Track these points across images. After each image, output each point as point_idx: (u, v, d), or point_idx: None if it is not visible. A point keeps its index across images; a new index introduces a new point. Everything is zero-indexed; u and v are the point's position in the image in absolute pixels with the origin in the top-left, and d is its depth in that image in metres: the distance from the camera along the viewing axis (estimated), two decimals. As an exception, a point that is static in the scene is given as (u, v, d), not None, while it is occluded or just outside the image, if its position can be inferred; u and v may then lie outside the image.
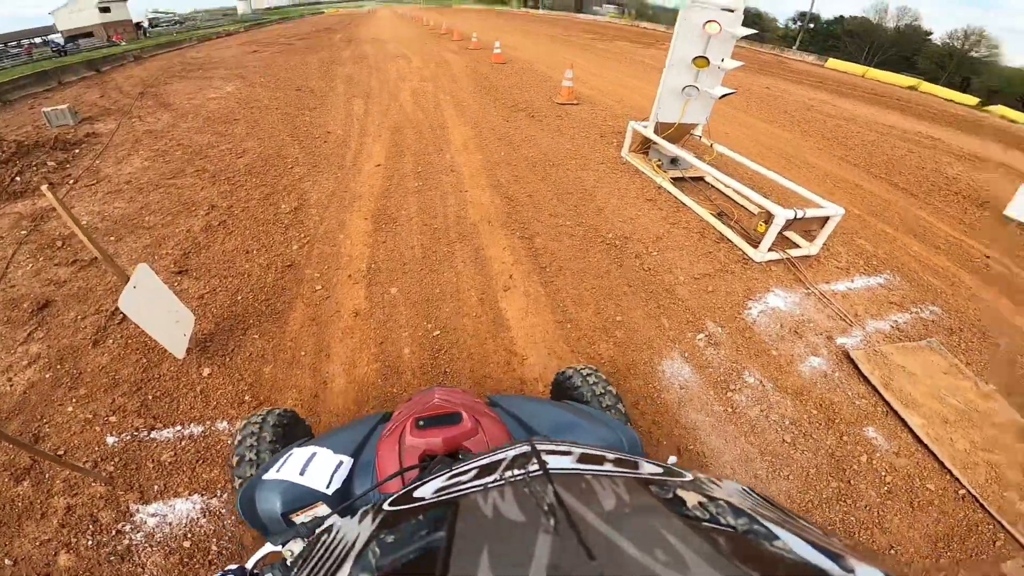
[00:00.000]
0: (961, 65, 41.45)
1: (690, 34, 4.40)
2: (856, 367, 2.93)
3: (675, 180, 4.91)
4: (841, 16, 47.66)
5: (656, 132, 5.04)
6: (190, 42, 16.86)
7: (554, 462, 0.60)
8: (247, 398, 2.46)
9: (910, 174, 6.81)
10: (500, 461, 0.64)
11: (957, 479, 2.41)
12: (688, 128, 5.17)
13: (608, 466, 0.62)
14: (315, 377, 2.60)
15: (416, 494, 0.64)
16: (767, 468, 2.34)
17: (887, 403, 2.73)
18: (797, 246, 3.95)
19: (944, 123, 13.09)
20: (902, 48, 43.75)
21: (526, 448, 0.65)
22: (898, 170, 6.93)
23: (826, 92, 15.01)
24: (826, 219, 3.74)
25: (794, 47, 34.10)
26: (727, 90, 4.71)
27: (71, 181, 4.82)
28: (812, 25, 45.48)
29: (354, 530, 0.63)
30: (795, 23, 47.14)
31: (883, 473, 2.40)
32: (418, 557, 0.47)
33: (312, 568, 0.61)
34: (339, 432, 1.34)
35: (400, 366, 2.69)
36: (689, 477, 0.62)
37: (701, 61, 4.49)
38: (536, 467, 0.56)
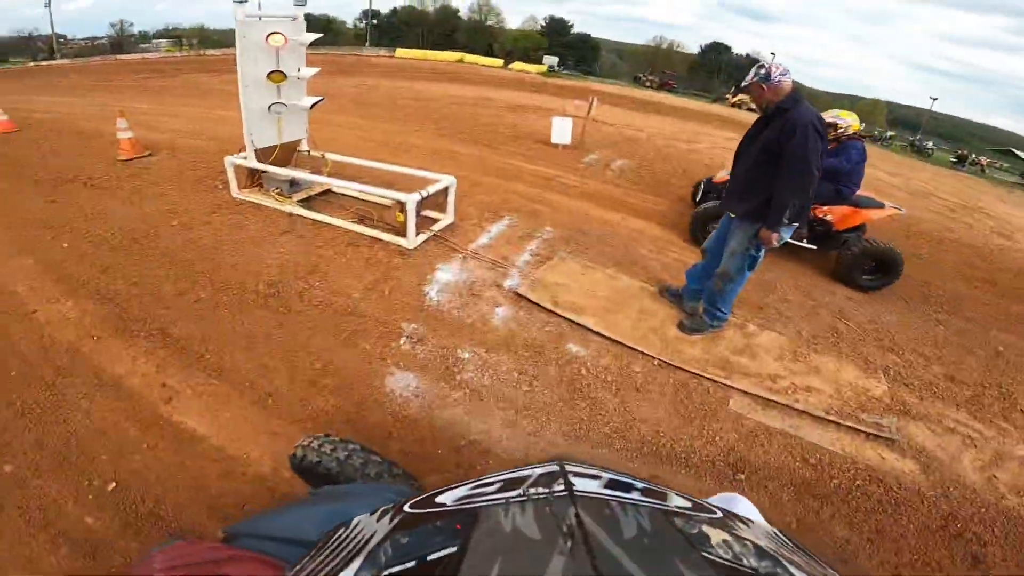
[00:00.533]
0: (485, 34, 53.71)
1: (255, 51, 4.08)
2: (529, 300, 3.45)
3: (303, 202, 4.65)
4: (395, 8, 54.39)
5: (260, 160, 4.61)
6: None
7: (581, 484, 0.58)
8: None
9: (486, 131, 8.49)
10: (526, 477, 0.62)
11: (646, 354, 3.03)
12: (293, 146, 4.94)
13: (635, 495, 0.60)
14: None
15: (438, 500, 0.62)
16: (531, 422, 2.54)
17: (566, 318, 3.29)
18: (437, 220, 4.38)
19: (489, 84, 16.85)
20: (444, 27, 53.37)
21: (554, 468, 0.63)
22: (478, 131, 8.54)
23: (403, 79, 17.02)
24: (446, 189, 4.24)
25: (367, 44, 37.30)
26: (315, 98, 4.67)
27: None
28: (376, 21, 50.37)
29: (371, 527, 0.61)
30: (362, 22, 51.22)
31: (603, 376, 2.87)
32: (428, 562, 0.46)
33: (323, 559, 0.59)
34: None
35: (98, 538, 1.98)
36: (718, 514, 0.61)
37: (277, 75, 4.25)
38: (562, 487, 0.55)
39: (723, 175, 5.11)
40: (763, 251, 2.90)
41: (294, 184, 4.72)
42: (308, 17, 4.51)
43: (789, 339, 3.44)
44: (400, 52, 31.99)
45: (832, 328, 3.73)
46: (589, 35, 55.96)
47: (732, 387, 2.91)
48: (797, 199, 2.61)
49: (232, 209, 4.61)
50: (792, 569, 0.51)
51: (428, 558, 0.48)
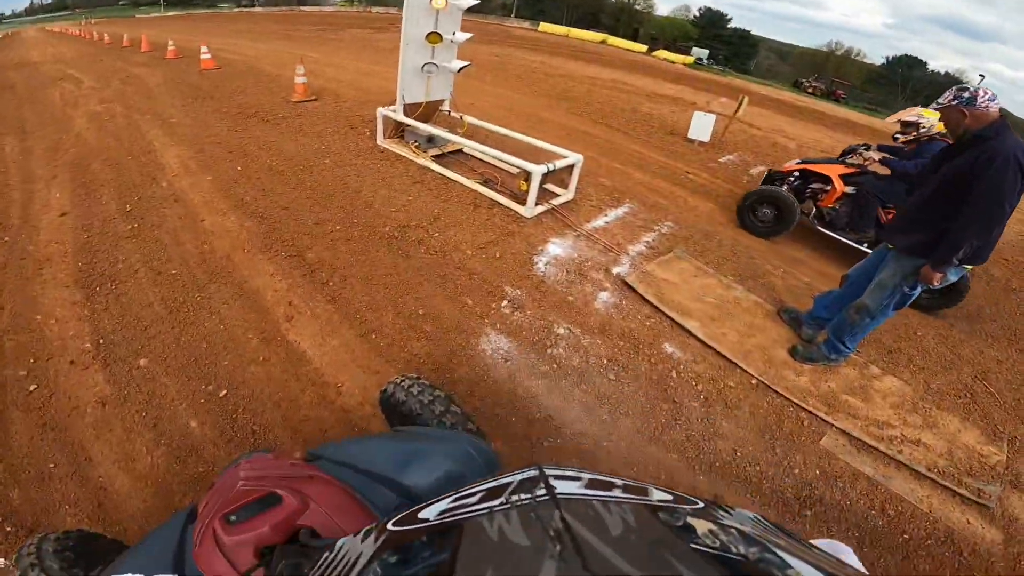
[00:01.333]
0: (631, 17, 51.72)
1: (418, 11, 4.33)
2: (634, 290, 3.35)
3: (436, 158, 4.91)
4: (541, -18, 54.26)
5: (406, 114, 4.93)
6: None
7: (562, 487, 0.59)
8: (8, 528, 1.89)
9: (619, 116, 8.23)
10: (507, 485, 0.63)
11: (745, 370, 2.84)
12: (436, 105, 5.20)
13: (617, 492, 0.61)
14: (85, 486, 2.04)
15: (421, 515, 0.63)
16: (609, 411, 2.50)
17: (669, 317, 3.16)
18: (557, 195, 4.36)
19: (630, 69, 16.22)
20: (589, 5, 52.30)
21: (534, 472, 0.64)
22: (610, 114, 8.30)
23: (543, 53, 17.04)
24: (571, 166, 4.20)
25: (512, 15, 37.94)
26: (463, 63, 4.84)
27: None
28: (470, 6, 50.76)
29: (356, 549, 0.62)
30: (510, -8, 51.94)
31: (694, 383, 2.73)
32: None
33: None
34: (143, 547, 1.09)
35: (193, 443, 2.21)
36: (700, 505, 0.62)
37: (434, 37, 4.47)
38: (543, 492, 0.56)
39: (790, 164, 4.84)
40: (918, 290, 2.57)
41: (431, 140, 4.99)
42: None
43: (914, 389, 3.01)
44: (543, 26, 31.98)
45: (968, 388, 3.19)
46: (749, 32, 51.25)
47: (831, 424, 2.64)
48: (979, 238, 2.29)
49: (375, 156, 5.00)
50: (780, 552, 0.50)
51: (418, 575, 0.48)
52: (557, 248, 3.75)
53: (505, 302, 3.14)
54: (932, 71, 45.96)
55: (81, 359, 2.60)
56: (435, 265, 3.40)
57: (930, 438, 2.68)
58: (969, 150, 2.30)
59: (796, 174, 4.70)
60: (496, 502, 0.57)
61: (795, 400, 2.72)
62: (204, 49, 10.40)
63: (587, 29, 32.02)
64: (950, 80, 42.66)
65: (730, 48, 46.62)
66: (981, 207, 2.23)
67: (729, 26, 50.13)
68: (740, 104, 7.69)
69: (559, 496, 0.54)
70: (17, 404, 2.35)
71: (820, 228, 4.50)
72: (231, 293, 3.07)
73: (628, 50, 27.35)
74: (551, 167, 3.90)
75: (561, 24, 34.70)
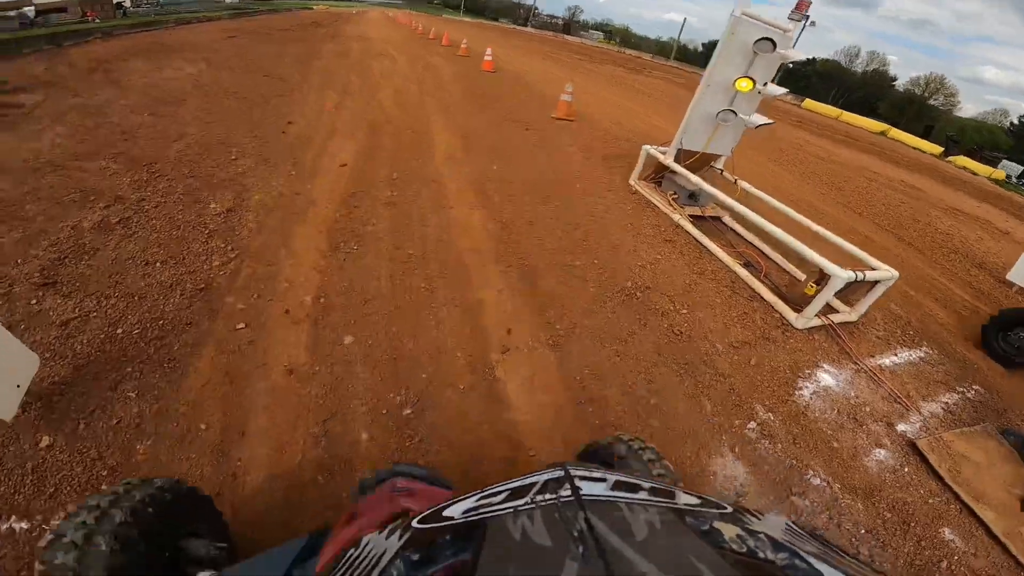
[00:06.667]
0: (921, 111, 44.02)
1: (736, 53, 3.94)
2: (923, 458, 2.51)
3: (693, 218, 4.34)
4: (813, 58, 49.92)
5: (678, 160, 4.51)
6: (168, 24, 15.21)
7: (587, 488, 0.58)
8: (105, 486, 1.63)
9: (910, 227, 6.64)
10: (532, 484, 0.61)
11: None
12: (710, 158, 4.68)
13: (643, 495, 0.58)
14: (219, 464, 1.76)
15: (445, 513, 0.62)
16: None
17: (958, 497, 2.36)
18: (836, 311, 3.44)
19: (918, 172, 13.44)
20: (868, 92, 46.10)
21: (559, 472, 0.63)
22: (898, 222, 6.77)
23: (808, 132, 15.23)
24: (875, 283, 3.26)
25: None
26: (765, 119, 4.26)
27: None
28: (790, 65, 47.36)
29: (381, 545, 0.61)
30: (770, 62, 48.99)
31: None
32: None
33: None
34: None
35: (352, 457, 1.87)
36: (729, 509, 0.59)
37: (746, 82, 4.02)
38: (568, 492, 0.55)
39: None
40: None
41: (693, 197, 4.46)
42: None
43: None
44: (808, 103, 29.11)
45: None
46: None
47: None
48: None
49: (626, 196, 4.69)
50: (809, 559, 0.47)
51: (440, 573, 0.47)
52: (829, 377, 2.90)
53: (753, 424, 2.44)
54: None
55: (296, 312, 2.53)
56: (676, 349, 2.83)
57: None
58: None
59: None
60: (520, 501, 0.56)
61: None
62: (488, 52, 11.65)
63: (859, 115, 28.00)
64: None
65: (1057, 166, 36.17)
66: None
67: (1058, 142, 39.09)
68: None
69: (584, 497, 0.54)
70: (218, 339, 2.28)
71: None
72: (454, 296, 2.88)
73: (916, 148, 23.00)
74: (860, 276, 3.03)
75: (826, 103, 31.14)
